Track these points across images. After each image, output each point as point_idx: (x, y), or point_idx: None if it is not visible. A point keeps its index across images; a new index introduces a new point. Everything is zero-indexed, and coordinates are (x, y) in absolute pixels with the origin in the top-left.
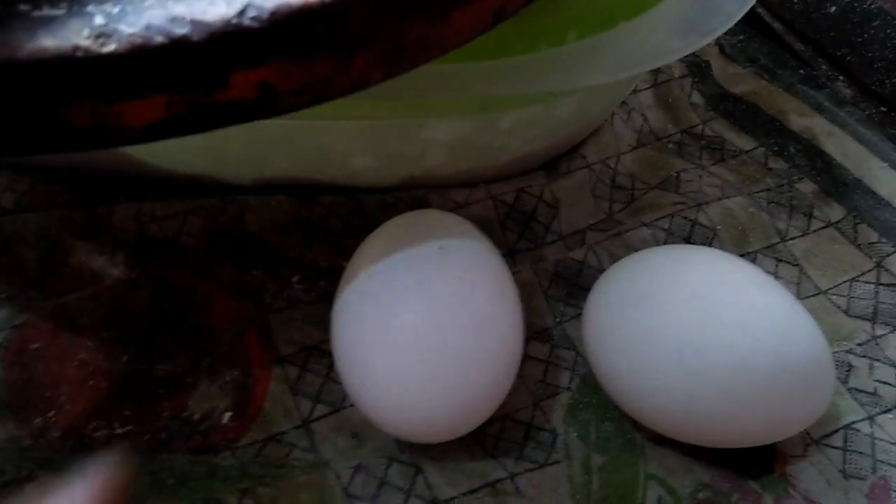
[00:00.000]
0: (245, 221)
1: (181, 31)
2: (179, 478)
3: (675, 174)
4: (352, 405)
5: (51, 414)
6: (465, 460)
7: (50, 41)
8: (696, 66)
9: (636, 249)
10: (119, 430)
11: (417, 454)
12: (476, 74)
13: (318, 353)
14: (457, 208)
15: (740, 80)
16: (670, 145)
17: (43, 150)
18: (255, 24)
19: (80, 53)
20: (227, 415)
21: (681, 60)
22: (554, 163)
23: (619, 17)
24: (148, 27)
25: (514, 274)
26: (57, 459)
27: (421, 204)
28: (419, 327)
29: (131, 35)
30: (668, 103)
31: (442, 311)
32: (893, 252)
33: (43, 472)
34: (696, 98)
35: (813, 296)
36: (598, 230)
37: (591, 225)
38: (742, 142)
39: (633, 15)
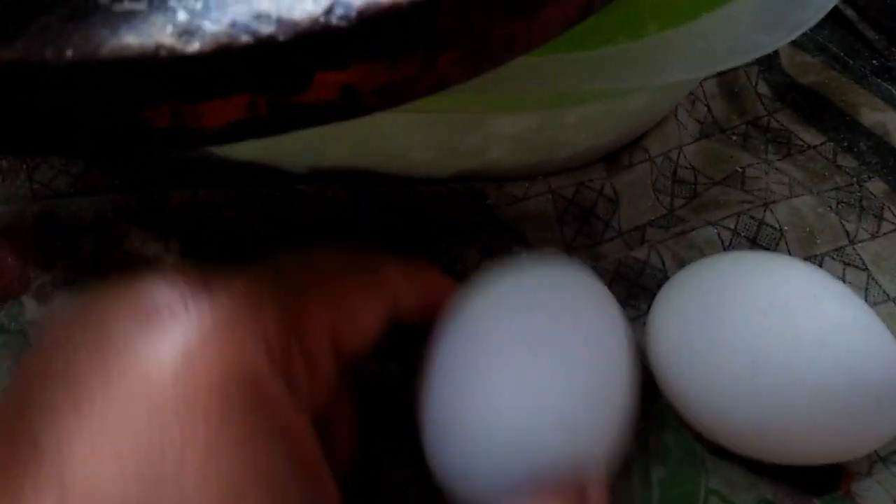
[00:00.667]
0: (300, 211)
1: (267, 29)
2: None
3: (741, 169)
4: None
5: None
6: None
7: (133, 38)
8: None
9: (701, 250)
10: None
11: None
12: (550, 69)
13: None
14: (514, 202)
15: (809, 70)
16: (735, 137)
17: (120, 151)
18: (342, 24)
19: (163, 52)
20: None
21: None
22: (615, 155)
23: (702, 8)
24: (233, 24)
25: None
26: None
27: (478, 197)
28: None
29: (216, 33)
30: (733, 93)
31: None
32: None
33: None
34: (763, 88)
35: (882, 303)
36: (660, 227)
37: (651, 221)
38: (810, 136)
39: (716, 6)
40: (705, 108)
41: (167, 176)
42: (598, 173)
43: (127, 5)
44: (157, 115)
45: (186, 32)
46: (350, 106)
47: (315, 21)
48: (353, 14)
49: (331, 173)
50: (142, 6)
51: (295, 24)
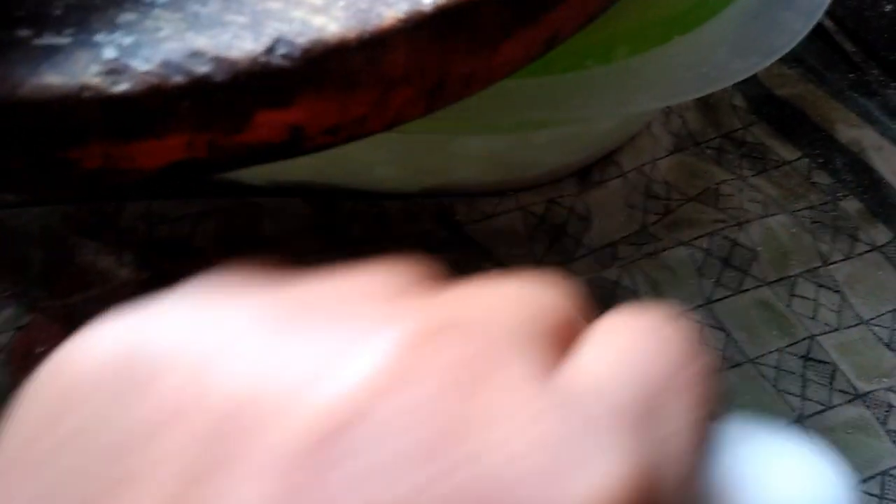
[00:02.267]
0: (261, 226)
1: (202, 69)
2: None
3: (715, 186)
4: None
5: None
6: None
7: (55, 77)
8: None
9: (673, 270)
10: None
11: None
12: (515, 96)
13: None
14: (483, 219)
15: (786, 82)
16: (709, 151)
17: (44, 192)
18: (285, 63)
19: (87, 94)
20: None
21: None
22: (586, 170)
23: (674, 31)
24: (165, 64)
25: None
26: None
27: (446, 214)
28: None
29: (146, 73)
30: (708, 104)
31: None
32: None
33: None
34: (739, 99)
35: (854, 326)
36: (632, 244)
37: (623, 238)
38: (785, 151)
39: (688, 28)
40: (680, 121)
41: (119, 188)
42: (569, 189)
43: (48, 39)
44: (85, 156)
45: (114, 72)
46: (297, 145)
47: (254, 60)
48: (297, 53)
49: (293, 187)
50: (65, 41)
51: (233, 62)
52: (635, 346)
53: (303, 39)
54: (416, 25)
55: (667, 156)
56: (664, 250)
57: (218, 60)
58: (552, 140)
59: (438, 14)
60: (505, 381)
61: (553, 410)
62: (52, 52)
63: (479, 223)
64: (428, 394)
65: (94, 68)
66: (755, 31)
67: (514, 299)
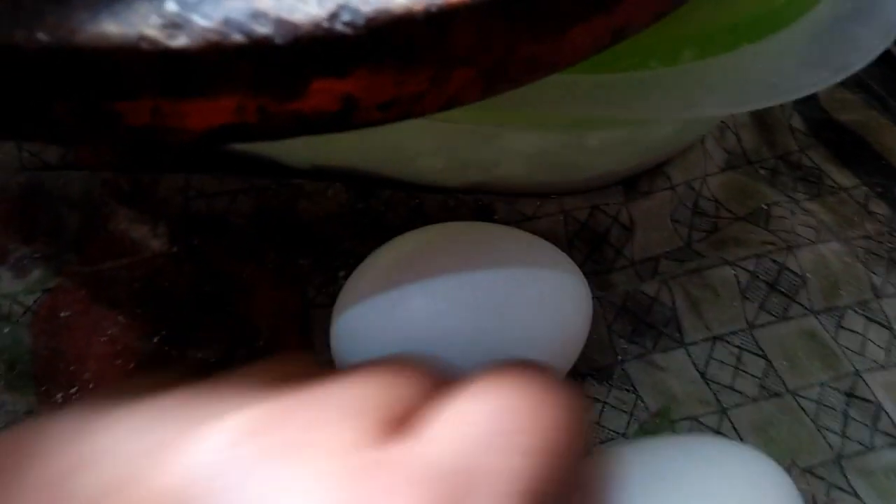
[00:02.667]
0: (298, 207)
1: (263, 30)
2: None
3: (766, 206)
4: None
5: (73, 390)
6: None
7: (113, 26)
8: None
9: (715, 290)
10: None
11: None
12: (573, 90)
13: None
14: (524, 220)
15: (847, 107)
16: (763, 171)
17: (87, 142)
18: (348, 31)
19: (144, 45)
20: None
21: None
22: (634, 180)
23: (744, 38)
24: (226, 21)
25: None
26: None
27: (485, 211)
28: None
29: (206, 29)
30: (765, 123)
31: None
32: None
33: None
34: (797, 121)
35: None
36: (674, 260)
37: (666, 253)
38: (842, 177)
39: (759, 37)
40: (734, 138)
41: (159, 158)
42: (614, 198)
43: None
44: (134, 110)
45: (174, 25)
46: (349, 118)
47: (317, 25)
48: (361, 21)
49: (334, 172)
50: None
51: (295, 26)
52: (478, 415)
53: (368, 8)
54: (485, 1)
55: (718, 172)
56: (708, 268)
57: (280, 22)
58: (604, 144)
59: None
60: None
61: (357, 474)
62: (115, 5)
63: (519, 224)
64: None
65: (155, 20)
66: (827, 45)
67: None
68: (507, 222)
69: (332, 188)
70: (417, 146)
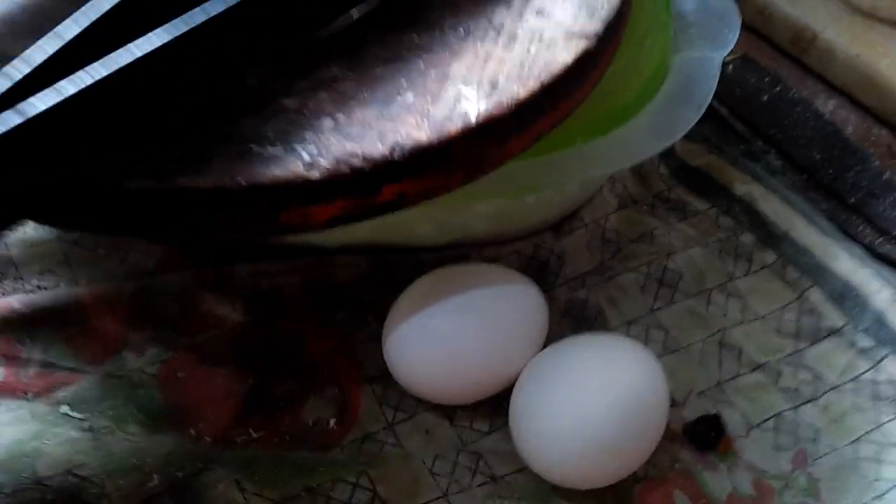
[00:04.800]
0: (333, 276)
1: (356, 162)
2: (305, 468)
3: (650, 230)
4: (425, 411)
5: (201, 425)
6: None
7: (279, 171)
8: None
9: (625, 290)
10: (255, 435)
11: (476, 445)
12: (516, 171)
13: None
14: (491, 261)
15: (697, 155)
16: (645, 207)
17: (258, 236)
18: (400, 157)
19: (297, 179)
20: (333, 421)
21: None
22: (560, 224)
23: (613, 124)
24: (337, 161)
25: None
26: (214, 457)
27: (465, 258)
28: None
29: (327, 167)
30: (641, 173)
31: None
32: (812, 286)
33: (208, 467)
34: (663, 169)
35: (755, 320)
36: (594, 274)
37: (588, 271)
38: (699, 204)
39: (623, 122)
40: (622, 186)
41: (232, 253)
42: (548, 238)
43: (271, 151)
44: (287, 214)
45: (311, 166)
46: (400, 204)
47: (385, 156)
48: (407, 153)
49: (355, 248)
50: (279, 152)
51: (373, 158)
52: None
53: (409, 145)
54: (472, 132)
55: (615, 211)
56: (617, 276)
57: (364, 157)
58: (538, 202)
59: (484, 124)
60: None
61: None
62: (274, 157)
63: (488, 263)
64: None
65: (299, 165)
66: (663, 122)
67: None
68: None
69: (356, 260)
70: (414, 219)
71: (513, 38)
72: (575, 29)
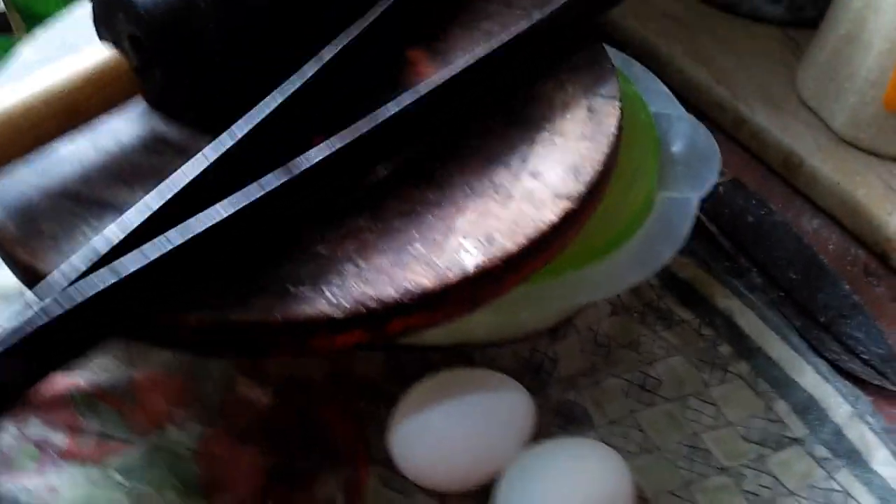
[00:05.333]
0: (355, 368)
1: (371, 304)
2: None
3: (637, 337)
4: (420, 494)
5: (228, 496)
6: None
7: (308, 309)
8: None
9: (609, 393)
10: None
11: None
12: (518, 296)
13: None
14: (490, 361)
15: (685, 268)
16: (635, 315)
17: (292, 356)
18: (408, 300)
19: (322, 317)
20: (341, 497)
21: None
22: (555, 329)
23: (600, 255)
24: (356, 302)
25: None
26: None
27: (468, 358)
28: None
29: (347, 308)
30: None
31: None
32: (778, 398)
33: None
34: (654, 280)
35: (725, 426)
36: (586, 376)
37: (579, 372)
38: (684, 314)
39: (608, 253)
40: (616, 295)
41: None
42: (544, 341)
43: (303, 291)
44: (317, 341)
45: (335, 306)
46: (407, 333)
47: (395, 299)
48: (415, 297)
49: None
50: (310, 293)
51: (385, 301)
52: None
53: (415, 291)
54: (468, 280)
55: (607, 318)
56: (604, 380)
57: (377, 300)
58: (532, 315)
59: (478, 273)
60: None
61: None
62: (306, 297)
63: (489, 363)
64: None
65: (325, 305)
66: (647, 253)
67: None
68: (481, 362)
69: (374, 355)
70: None
71: (509, 197)
72: (562, 190)
